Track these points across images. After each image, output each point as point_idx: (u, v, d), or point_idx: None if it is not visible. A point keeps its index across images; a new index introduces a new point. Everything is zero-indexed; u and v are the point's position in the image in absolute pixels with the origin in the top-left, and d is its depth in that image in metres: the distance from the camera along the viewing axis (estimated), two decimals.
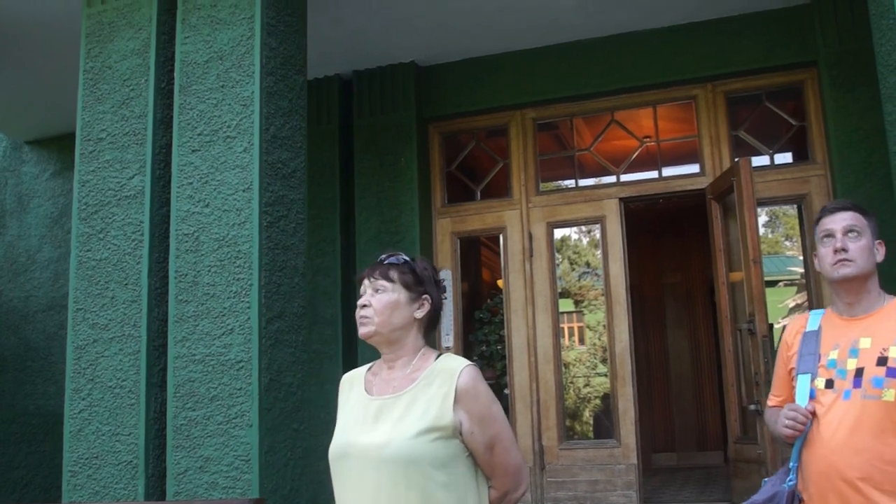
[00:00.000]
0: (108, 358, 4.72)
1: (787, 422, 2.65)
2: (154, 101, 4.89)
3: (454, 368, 2.33)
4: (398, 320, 2.39)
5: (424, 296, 2.45)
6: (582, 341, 16.12)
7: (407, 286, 2.42)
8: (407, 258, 2.49)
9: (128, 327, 4.70)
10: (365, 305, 2.40)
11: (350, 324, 6.91)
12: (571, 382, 12.81)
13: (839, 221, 2.76)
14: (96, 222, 4.90)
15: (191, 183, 4.67)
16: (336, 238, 7.09)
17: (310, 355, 5.20)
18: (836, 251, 2.72)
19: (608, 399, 7.10)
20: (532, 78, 7.00)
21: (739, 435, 6.21)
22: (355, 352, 6.82)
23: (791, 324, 2.95)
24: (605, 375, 7.52)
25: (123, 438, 4.59)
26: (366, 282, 2.44)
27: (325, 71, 7.22)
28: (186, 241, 4.62)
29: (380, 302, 2.39)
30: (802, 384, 2.72)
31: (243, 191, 4.54)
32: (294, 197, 4.82)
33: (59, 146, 8.50)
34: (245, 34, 4.69)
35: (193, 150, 4.70)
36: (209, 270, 4.54)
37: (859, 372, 2.60)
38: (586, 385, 12.97)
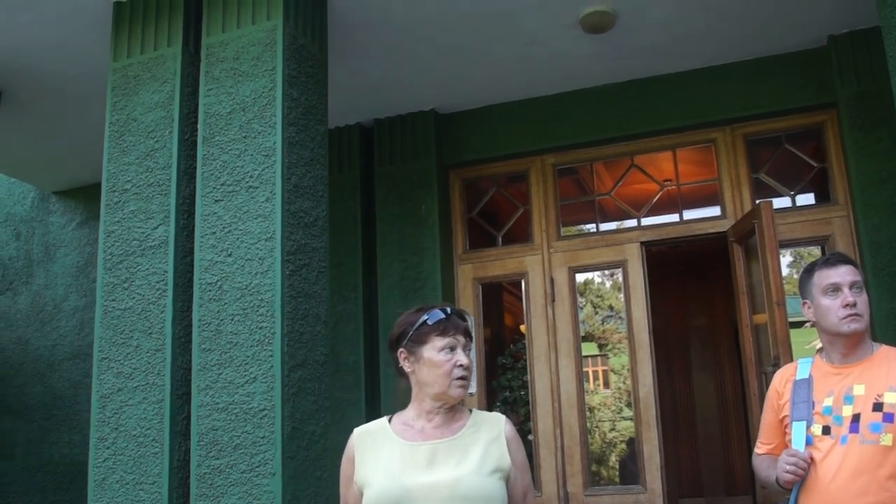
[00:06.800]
0: (133, 407, 4.74)
1: (788, 467, 2.69)
2: (178, 152, 4.97)
3: (497, 418, 2.47)
4: None
5: None
6: (607, 385, 16.01)
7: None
8: None
9: (152, 376, 4.73)
10: (468, 367, 2.41)
11: (373, 371, 6.91)
12: (597, 427, 12.71)
13: (844, 275, 2.82)
14: (121, 272, 4.96)
15: (214, 233, 4.72)
16: (358, 285, 7.12)
17: (332, 403, 5.21)
18: (846, 306, 2.77)
19: (634, 443, 7.04)
20: (551, 124, 7.04)
21: None
22: (378, 399, 6.81)
23: (780, 372, 3.00)
24: (631, 419, 7.44)
25: (147, 487, 4.60)
26: (461, 338, 2.44)
27: (346, 120, 7.30)
28: (210, 290, 4.66)
29: (471, 363, 2.44)
30: (798, 431, 2.76)
31: (266, 240, 4.58)
32: (316, 245, 4.86)
33: (85, 196, 8.63)
34: (267, 86, 4.77)
35: (217, 201, 4.76)
36: (232, 319, 4.57)
37: (856, 418, 2.66)
38: (612, 429, 12.86)
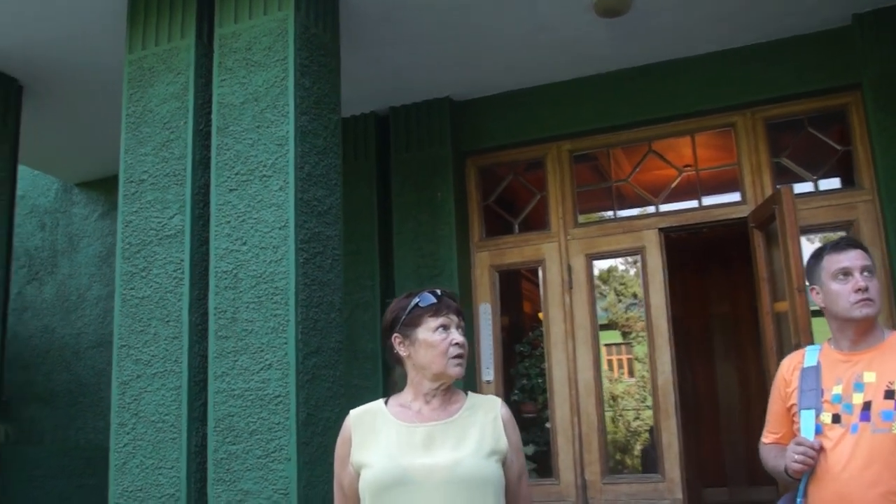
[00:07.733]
0: (151, 393, 4.81)
1: (797, 457, 2.64)
2: (193, 142, 5.02)
3: (493, 400, 2.48)
4: None
5: None
6: (631, 374, 15.91)
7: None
8: None
9: (170, 363, 4.79)
10: (463, 345, 2.42)
11: None
12: (620, 415, 12.66)
13: (854, 259, 2.77)
14: (139, 261, 5.02)
15: (229, 221, 4.77)
16: (375, 273, 7.14)
17: (350, 390, 5.24)
18: (857, 290, 2.71)
19: (653, 432, 7.01)
20: (567, 110, 7.01)
21: None
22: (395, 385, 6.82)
23: (787, 360, 2.96)
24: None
25: (166, 472, 4.67)
26: (454, 318, 2.45)
27: (361, 108, 7.31)
28: (225, 279, 4.71)
29: (465, 341, 2.44)
30: (807, 419, 2.71)
31: (280, 228, 4.62)
32: (330, 234, 4.89)
33: (106, 188, 8.74)
34: (279, 75, 4.80)
35: (231, 190, 4.80)
36: (247, 307, 4.62)
37: (867, 406, 2.61)
38: (636, 418, 12.80)
